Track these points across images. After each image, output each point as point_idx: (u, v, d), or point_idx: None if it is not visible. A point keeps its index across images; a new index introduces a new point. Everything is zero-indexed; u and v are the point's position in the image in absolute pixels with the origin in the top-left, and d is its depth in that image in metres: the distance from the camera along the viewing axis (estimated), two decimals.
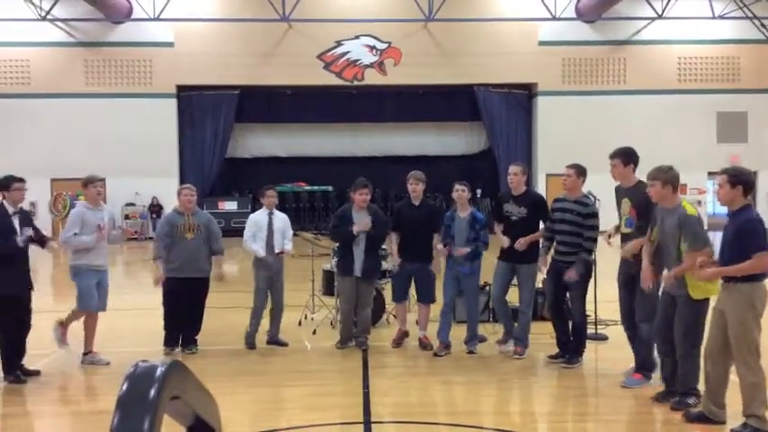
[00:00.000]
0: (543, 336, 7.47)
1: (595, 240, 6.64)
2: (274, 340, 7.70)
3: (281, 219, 7.84)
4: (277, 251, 7.64)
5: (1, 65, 23.16)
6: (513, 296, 7.38)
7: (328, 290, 9.39)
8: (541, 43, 23.70)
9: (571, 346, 6.76)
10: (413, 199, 7.56)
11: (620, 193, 6.25)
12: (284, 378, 6.58)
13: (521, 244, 6.84)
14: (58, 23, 22.84)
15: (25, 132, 22.78)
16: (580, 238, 6.58)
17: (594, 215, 6.65)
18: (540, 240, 6.98)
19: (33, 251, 6.66)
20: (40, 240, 6.71)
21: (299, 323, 8.65)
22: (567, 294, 6.82)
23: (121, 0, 22.41)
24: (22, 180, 6.54)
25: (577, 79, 24.09)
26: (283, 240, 7.70)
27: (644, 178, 5.90)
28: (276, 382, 6.48)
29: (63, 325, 6.97)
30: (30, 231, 6.41)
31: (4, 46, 22.90)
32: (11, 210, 6.38)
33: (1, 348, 6.35)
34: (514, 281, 7.22)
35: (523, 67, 23.63)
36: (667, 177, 5.44)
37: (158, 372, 1.13)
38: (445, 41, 23.57)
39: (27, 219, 6.62)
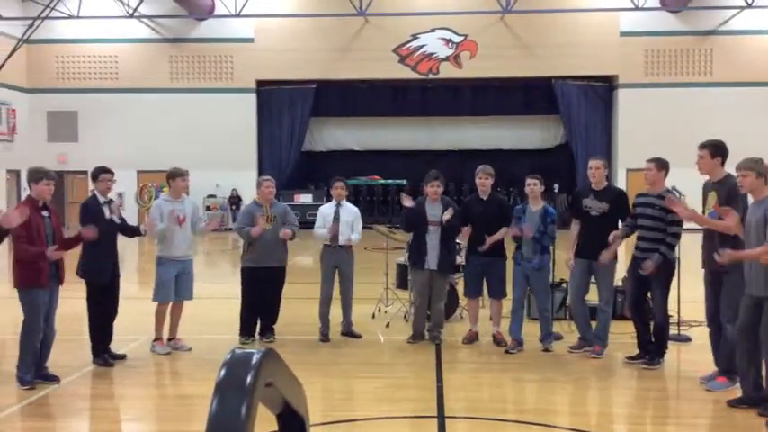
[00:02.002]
0: (623, 335, 7.28)
1: (678, 236, 6.42)
2: (348, 332, 7.78)
3: (351, 211, 7.85)
4: (342, 242, 7.68)
5: (91, 61, 24.23)
6: (591, 294, 7.22)
7: (402, 283, 9.42)
8: (623, 34, 23.03)
9: (652, 347, 6.56)
10: (481, 193, 7.48)
11: (707, 186, 6.03)
12: (357, 370, 6.65)
13: (604, 258, 6.70)
14: (145, 20, 23.70)
15: (114, 126, 23.79)
16: (661, 234, 6.37)
17: None
18: (621, 229, 6.79)
19: (120, 240, 6.94)
20: (131, 230, 7.03)
21: (373, 316, 8.72)
22: (649, 293, 6.62)
23: None
24: (109, 171, 6.79)
25: (661, 71, 23.29)
26: (350, 232, 7.72)
27: (732, 173, 5.69)
28: (349, 374, 6.55)
29: (158, 339, 7.17)
30: (117, 206, 6.62)
31: (94, 42, 23.95)
32: (101, 199, 6.68)
33: (90, 333, 6.66)
34: (592, 279, 7.05)
35: (604, 59, 23.02)
36: (761, 169, 5.32)
37: (254, 359, 1.16)
38: (523, 33, 23.21)
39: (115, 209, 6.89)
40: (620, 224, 6.88)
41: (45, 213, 5.91)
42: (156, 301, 7.13)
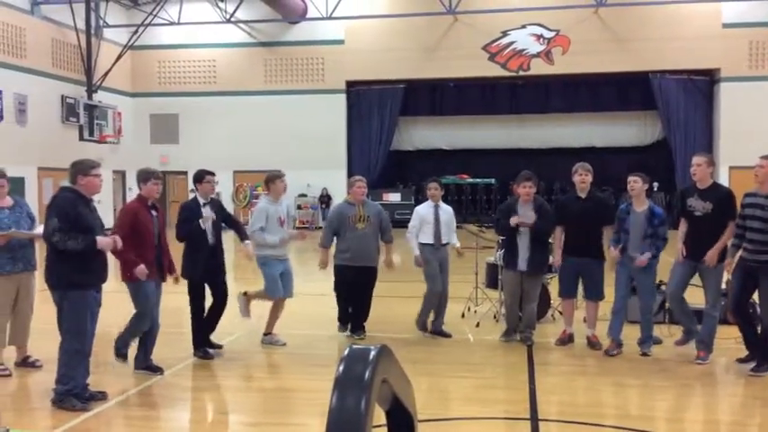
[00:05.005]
0: (726, 340, 6.95)
1: None
2: (438, 331, 7.79)
3: (447, 211, 7.89)
4: (444, 242, 7.71)
5: (191, 65, 25.24)
6: (690, 297, 6.93)
7: (491, 282, 9.34)
8: (726, 26, 21.97)
9: (758, 354, 6.24)
10: (579, 191, 7.30)
11: None
12: (448, 369, 6.64)
13: (710, 258, 6.41)
14: (241, 25, 24.48)
15: (212, 128, 24.71)
16: None
17: None
18: (730, 239, 6.48)
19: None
20: (243, 234, 7.23)
21: (462, 315, 8.68)
22: (755, 296, 6.29)
23: (297, 0, 23.60)
24: (213, 174, 7.08)
25: (766, 64, 22.06)
26: (449, 232, 7.77)
27: None
28: (440, 373, 6.54)
29: (247, 296, 7.48)
30: (210, 218, 6.78)
31: (194, 47, 24.95)
32: (201, 201, 6.93)
33: (192, 326, 6.94)
34: (693, 280, 6.76)
35: (705, 52, 22.04)
36: None
37: (371, 355, 1.19)
38: (618, 27, 22.52)
39: (219, 208, 7.13)
40: (729, 226, 6.54)
41: (153, 213, 6.22)
42: (271, 296, 7.38)
